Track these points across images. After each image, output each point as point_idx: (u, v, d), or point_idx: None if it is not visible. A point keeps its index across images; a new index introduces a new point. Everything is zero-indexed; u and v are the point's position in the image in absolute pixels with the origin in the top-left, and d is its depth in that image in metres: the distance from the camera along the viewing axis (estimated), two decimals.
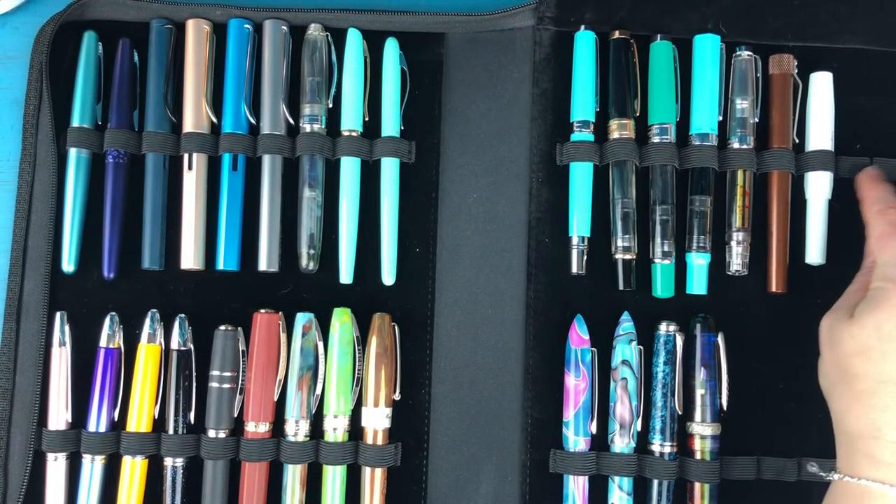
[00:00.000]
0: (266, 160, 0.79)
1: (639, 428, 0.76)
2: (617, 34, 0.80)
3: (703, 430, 0.76)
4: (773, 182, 0.79)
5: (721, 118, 0.79)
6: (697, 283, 0.78)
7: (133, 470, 0.76)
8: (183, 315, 0.78)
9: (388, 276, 0.79)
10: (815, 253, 0.78)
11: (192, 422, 0.77)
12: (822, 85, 0.80)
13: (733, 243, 0.78)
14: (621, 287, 0.78)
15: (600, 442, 0.77)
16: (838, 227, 0.79)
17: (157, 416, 0.77)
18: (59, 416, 0.76)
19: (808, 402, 0.78)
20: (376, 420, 0.77)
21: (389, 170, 0.79)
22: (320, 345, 0.77)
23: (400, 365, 0.78)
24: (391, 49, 0.80)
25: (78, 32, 0.80)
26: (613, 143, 0.78)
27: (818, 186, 0.79)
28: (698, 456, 0.76)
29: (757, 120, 0.80)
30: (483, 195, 0.80)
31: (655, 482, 0.76)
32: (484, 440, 0.78)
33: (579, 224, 0.78)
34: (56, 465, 0.76)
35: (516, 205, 0.80)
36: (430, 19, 0.81)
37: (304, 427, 0.77)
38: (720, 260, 0.79)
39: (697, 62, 0.79)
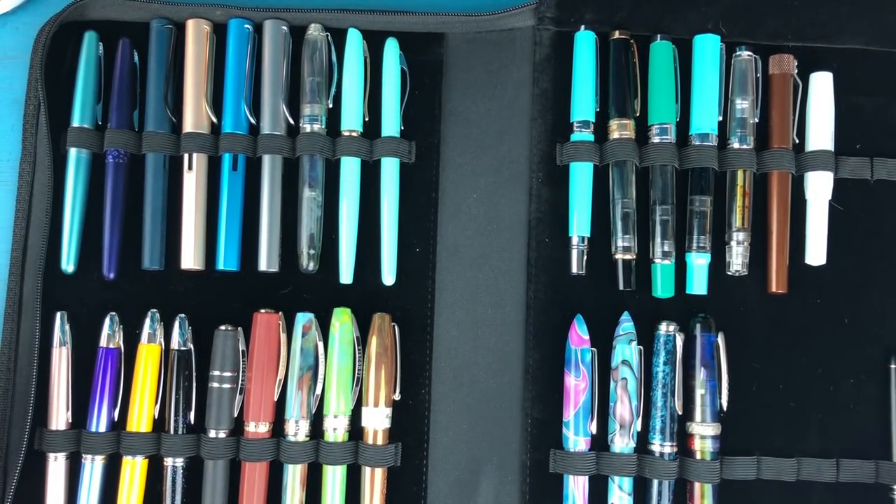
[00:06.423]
0: (266, 160, 0.79)
1: (639, 428, 0.76)
2: (617, 34, 0.80)
3: (703, 430, 0.76)
4: (773, 182, 0.79)
5: (721, 118, 0.79)
6: (697, 283, 0.78)
7: (133, 470, 0.76)
8: (183, 315, 0.78)
9: (388, 276, 0.79)
10: (815, 253, 0.78)
11: (192, 422, 0.77)
12: (822, 85, 0.80)
13: (733, 243, 0.78)
14: (621, 287, 0.78)
15: (600, 442, 0.77)
16: (838, 227, 0.79)
17: (157, 416, 0.77)
18: (59, 416, 0.76)
19: (808, 402, 0.78)
20: (376, 420, 0.77)
21: (389, 170, 0.79)
22: (320, 345, 0.77)
23: (400, 365, 0.78)
24: (391, 49, 0.80)
25: (78, 32, 0.80)
26: (613, 143, 0.78)
27: (818, 186, 0.79)
28: (698, 456, 0.76)
29: (757, 120, 0.80)
30: (483, 195, 0.80)
31: (655, 482, 0.76)
32: (484, 440, 0.78)
33: (579, 224, 0.78)
34: (56, 465, 0.76)
35: (516, 205, 0.80)
36: (430, 19, 0.81)
37: (304, 427, 0.76)
38: (720, 260, 0.79)
39: (697, 62, 0.79)
